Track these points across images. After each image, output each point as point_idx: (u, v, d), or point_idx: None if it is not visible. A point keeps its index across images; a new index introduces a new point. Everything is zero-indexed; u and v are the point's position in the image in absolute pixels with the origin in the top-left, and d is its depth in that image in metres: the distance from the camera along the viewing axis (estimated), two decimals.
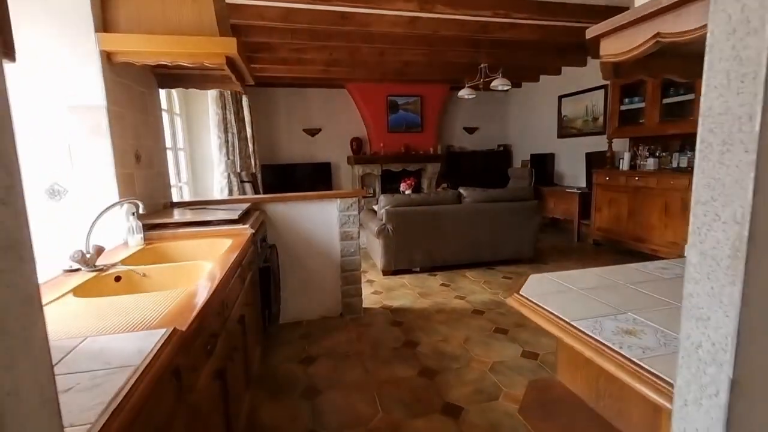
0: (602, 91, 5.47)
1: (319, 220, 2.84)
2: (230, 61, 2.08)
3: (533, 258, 4.27)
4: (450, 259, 4.03)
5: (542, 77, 6.70)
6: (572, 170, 6.20)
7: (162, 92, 3.35)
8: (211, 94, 3.74)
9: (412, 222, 3.81)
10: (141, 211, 1.70)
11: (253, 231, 2.07)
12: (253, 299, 2.02)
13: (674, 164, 4.22)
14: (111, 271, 1.52)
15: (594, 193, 4.93)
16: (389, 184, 7.25)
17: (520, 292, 1.32)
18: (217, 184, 3.87)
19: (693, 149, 4.10)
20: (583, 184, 5.74)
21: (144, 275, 1.56)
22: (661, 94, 4.12)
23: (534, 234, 4.13)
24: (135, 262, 1.68)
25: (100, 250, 1.56)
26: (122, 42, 1.85)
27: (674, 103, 4.12)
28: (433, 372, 2.21)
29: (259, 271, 2.20)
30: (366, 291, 3.49)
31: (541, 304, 1.21)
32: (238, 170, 4.62)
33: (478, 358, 2.34)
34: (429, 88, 7.02)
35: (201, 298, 1.11)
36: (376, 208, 4.21)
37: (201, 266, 1.57)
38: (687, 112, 4.01)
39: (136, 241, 1.87)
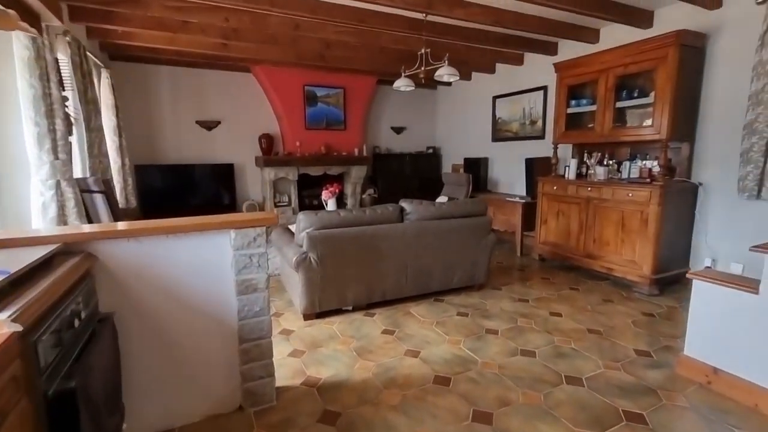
0: (541, 92, 5.10)
1: (200, 264, 1.73)
2: None
3: (484, 283, 3.61)
4: (390, 291, 3.16)
5: (474, 75, 6.22)
6: (508, 176, 5.79)
7: None
8: (20, 56, 2.32)
9: (343, 248, 2.85)
10: None
11: (19, 329, 0.93)
12: None
13: (624, 174, 3.89)
14: None
15: (539, 203, 4.48)
16: (307, 190, 6.17)
17: None
18: (36, 198, 2.46)
19: (645, 158, 3.81)
20: (521, 192, 5.33)
21: None
22: (615, 96, 3.75)
23: (488, 255, 3.46)
24: None
25: None
26: None
27: (626, 108, 3.78)
28: None
29: (49, 404, 1.05)
30: (280, 351, 2.44)
31: None
32: (85, 175, 3.18)
33: None
34: (354, 79, 6.09)
35: None
36: (293, 228, 3.15)
37: None
38: (641, 117, 3.68)
39: None
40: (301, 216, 2.81)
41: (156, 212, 5.13)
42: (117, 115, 4.13)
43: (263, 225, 1.78)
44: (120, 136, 4.18)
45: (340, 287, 2.93)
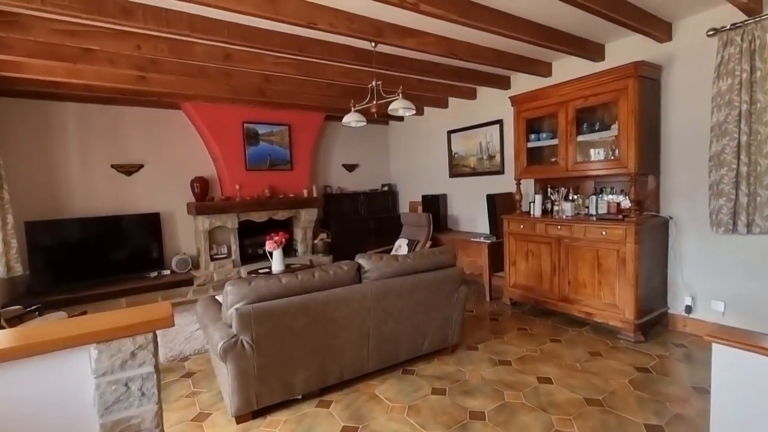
0: (497, 126, 4.92)
1: (38, 407, 1.06)
2: None
3: (458, 343, 3.11)
4: (349, 369, 2.56)
5: (427, 110, 6.01)
6: (468, 213, 5.49)
7: None
8: None
9: (287, 323, 2.24)
10: None
11: None
12: None
13: (591, 209, 3.67)
14: None
15: (506, 243, 4.15)
16: (251, 239, 5.47)
17: None
18: None
19: (614, 192, 3.62)
20: (483, 229, 5.03)
21: None
22: (576, 129, 3.58)
23: (461, 311, 2.98)
24: None
25: None
26: None
27: (589, 141, 3.61)
28: None
29: None
30: None
31: None
32: None
33: None
34: (299, 116, 5.63)
35: None
36: (220, 298, 2.50)
37: None
38: (605, 150, 3.51)
39: None
40: (229, 287, 2.18)
41: (59, 278, 4.18)
42: None
43: (149, 330, 1.17)
44: (0, 187, 3.34)
45: (284, 373, 2.29)
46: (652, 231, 3.27)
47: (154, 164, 4.93)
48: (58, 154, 4.39)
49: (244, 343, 2.12)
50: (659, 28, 3.20)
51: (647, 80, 3.22)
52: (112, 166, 4.66)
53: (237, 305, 2.13)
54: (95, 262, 4.45)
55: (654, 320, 3.31)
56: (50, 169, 4.34)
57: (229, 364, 2.10)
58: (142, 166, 4.85)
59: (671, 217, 3.38)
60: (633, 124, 3.15)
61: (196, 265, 5.05)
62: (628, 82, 3.14)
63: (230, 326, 2.16)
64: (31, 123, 4.23)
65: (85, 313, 2.84)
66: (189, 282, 4.78)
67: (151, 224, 4.83)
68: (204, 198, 5.04)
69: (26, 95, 4.10)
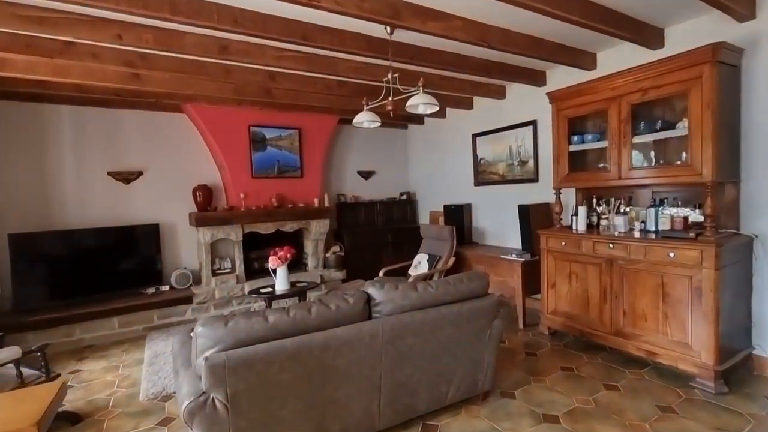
0: (530, 128, 4.35)
1: None
2: None
3: (491, 389, 2.55)
4: (356, 427, 2.04)
5: (449, 111, 5.49)
6: (497, 226, 4.91)
7: None
8: None
9: (274, 375, 1.75)
10: None
11: None
12: None
13: (650, 225, 3.04)
14: None
15: (544, 262, 3.56)
16: (257, 252, 5.04)
17: None
18: None
19: (677, 204, 2.99)
20: (515, 244, 4.45)
21: None
22: (632, 129, 2.98)
23: (494, 351, 2.43)
24: None
25: None
26: None
27: (648, 143, 3.01)
28: None
29: None
30: None
31: None
32: None
33: None
34: (310, 119, 5.21)
35: None
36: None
37: None
38: (671, 154, 2.91)
39: None
40: (200, 328, 1.70)
41: (47, 295, 3.84)
42: None
43: None
44: None
45: None
46: (734, 253, 2.63)
47: (155, 171, 4.58)
48: (50, 159, 4.08)
49: (216, 402, 1.64)
50: (741, 3, 2.59)
51: (726, 67, 2.61)
52: (109, 174, 4.33)
53: (208, 353, 1.65)
54: (87, 278, 4.09)
55: (737, 364, 2.66)
56: (40, 176, 4.02)
57: (195, 429, 1.62)
58: (141, 173, 4.50)
59: (756, 236, 2.74)
60: (709, 121, 2.54)
61: (197, 281, 4.65)
62: (704, 69, 2.54)
63: (199, 378, 1.69)
64: (18, 126, 3.93)
65: (45, 347, 2.43)
66: (188, 300, 4.37)
67: (150, 236, 4.46)
68: (206, 207, 4.65)
69: (11, 96, 3.80)
